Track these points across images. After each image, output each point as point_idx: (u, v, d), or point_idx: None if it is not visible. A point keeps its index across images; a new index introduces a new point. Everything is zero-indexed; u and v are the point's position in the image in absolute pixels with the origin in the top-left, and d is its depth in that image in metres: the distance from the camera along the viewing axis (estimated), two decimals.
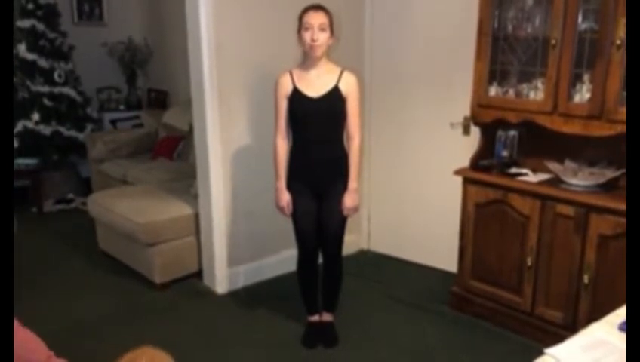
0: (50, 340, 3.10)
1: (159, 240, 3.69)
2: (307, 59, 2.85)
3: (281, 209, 3.00)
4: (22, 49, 5.29)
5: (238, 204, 3.69)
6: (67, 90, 5.56)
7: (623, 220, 2.67)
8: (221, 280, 3.71)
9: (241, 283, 3.78)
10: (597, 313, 2.36)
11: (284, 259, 3.82)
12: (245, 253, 3.80)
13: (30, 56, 5.33)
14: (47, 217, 5.25)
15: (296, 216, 2.98)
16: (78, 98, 5.68)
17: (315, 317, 3.13)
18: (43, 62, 5.39)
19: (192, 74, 3.51)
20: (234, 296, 3.67)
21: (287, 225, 3.94)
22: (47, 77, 5.43)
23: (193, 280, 3.85)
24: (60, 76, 5.51)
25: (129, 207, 3.88)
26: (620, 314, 1.85)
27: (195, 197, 3.80)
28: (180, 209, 3.85)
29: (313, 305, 3.12)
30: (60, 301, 3.58)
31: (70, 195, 5.51)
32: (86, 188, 5.64)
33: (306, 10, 2.77)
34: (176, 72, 5.91)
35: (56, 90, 5.49)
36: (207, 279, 3.80)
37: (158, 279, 3.73)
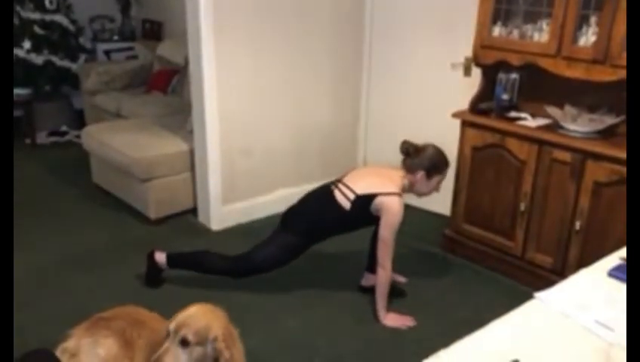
0: (44, 271, 3.16)
1: (154, 176, 3.67)
2: (405, 189, 2.84)
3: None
4: None
5: (234, 141, 3.66)
6: (59, 18, 5.41)
7: (619, 167, 2.66)
8: (216, 217, 3.72)
9: (236, 220, 3.80)
10: (587, 259, 2.39)
11: (279, 198, 3.82)
12: (241, 191, 3.80)
13: None
14: (41, 149, 5.22)
15: None
16: (71, 27, 5.54)
17: None
18: None
19: (187, 2, 3.38)
20: (228, 233, 3.70)
21: (283, 165, 3.96)
22: (38, 3, 5.26)
23: (188, 217, 3.87)
24: (51, 3, 5.34)
25: (124, 142, 3.84)
26: (610, 260, 1.87)
27: (191, 132, 3.76)
28: (175, 145, 3.82)
29: None
30: (54, 233, 3.61)
31: (64, 127, 5.45)
32: (79, 120, 5.57)
33: (448, 165, 2.86)
34: (171, 2, 5.72)
35: (48, 17, 5.33)
36: (202, 216, 3.81)
37: (152, 214, 3.74)
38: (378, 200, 2.70)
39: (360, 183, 2.77)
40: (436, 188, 2.87)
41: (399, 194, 2.73)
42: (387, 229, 2.69)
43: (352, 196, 2.74)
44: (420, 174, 2.79)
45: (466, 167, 3.29)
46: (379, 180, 2.77)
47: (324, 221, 2.83)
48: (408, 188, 2.84)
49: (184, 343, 1.67)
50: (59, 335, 2.04)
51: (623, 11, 2.56)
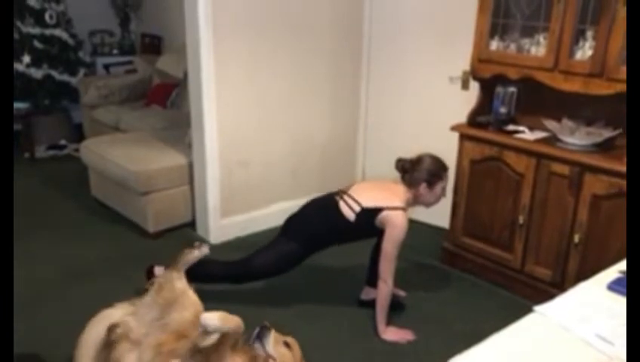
0: (43, 284, 3.15)
1: (153, 189, 3.67)
2: (409, 204, 2.84)
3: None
4: None
5: (232, 155, 3.66)
6: (59, 33, 5.44)
7: (617, 180, 2.66)
8: (214, 230, 3.72)
9: (234, 233, 3.79)
10: (586, 272, 2.38)
11: (278, 212, 3.81)
12: (239, 204, 3.80)
13: None
14: (40, 163, 5.22)
15: None
16: (70, 41, 5.56)
17: None
18: (33, 2, 5.25)
19: (186, 17, 3.40)
20: (227, 246, 3.69)
21: (282, 178, 3.96)
22: (38, 18, 5.29)
23: (186, 230, 3.86)
24: (51, 17, 5.37)
25: (122, 155, 3.85)
26: (609, 273, 1.87)
27: (189, 146, 3.76)
28: (173, 158, 3.82)
29: None
30: (53, 246, 3.59)
31: (62, 141, 5.46)
32: (78, 134, 5.59)
33: (447, 169, 2.85)
34: (170, 16, 5.76)
35: (48, 32, 5.36)
36: (200, 229, 3.80)
37: (151, 228, 3.73)
38: (383, 214, 2.70)
39: (366, 196, 2.77)
40: (442, 194, 2.88)
41: (404, 209, 2.73)
42: (391, 243, 2.69)
43: (357, 208, 2.74)
44: (422, 186, 2.79)
45: (465, 180, 3.29)
46: (384, 194, 2.77)
47: (326, 230, 2.83)
48: (413, 202, 2.85)
49: (286, 344, 2.04)
50: (58, 347, 2.03)
51: (620, 25, 2.58)
